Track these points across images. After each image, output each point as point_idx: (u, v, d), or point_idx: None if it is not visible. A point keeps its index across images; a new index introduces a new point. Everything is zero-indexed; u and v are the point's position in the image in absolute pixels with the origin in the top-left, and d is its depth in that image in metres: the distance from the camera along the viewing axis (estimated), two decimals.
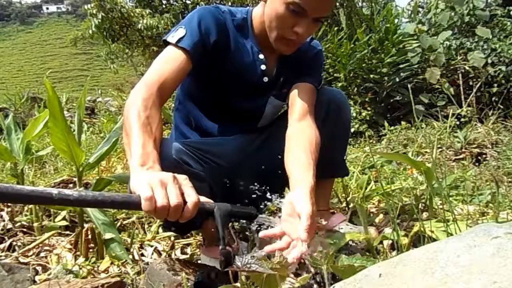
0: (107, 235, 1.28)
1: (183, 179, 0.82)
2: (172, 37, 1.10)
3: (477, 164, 2.65)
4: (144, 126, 0.92)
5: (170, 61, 1.08)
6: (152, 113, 0.95)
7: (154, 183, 0.78)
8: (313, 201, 0.90)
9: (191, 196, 0.80)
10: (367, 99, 4.23)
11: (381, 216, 1.55)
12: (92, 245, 1.34)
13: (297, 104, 1.19)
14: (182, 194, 0.79)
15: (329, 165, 1.32)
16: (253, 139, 1.31)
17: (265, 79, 1.24)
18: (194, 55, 1.09)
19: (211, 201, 0.85)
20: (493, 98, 4.29)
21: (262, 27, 1.17)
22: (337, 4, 5.37)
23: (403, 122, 3.57)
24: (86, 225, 1.34)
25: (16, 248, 1.41)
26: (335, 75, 4.40)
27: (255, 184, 1.29)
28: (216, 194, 1.13)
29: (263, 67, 1.23)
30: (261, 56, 1.22)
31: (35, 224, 1.49)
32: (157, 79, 1.03)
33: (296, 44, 1.14)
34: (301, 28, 1.06)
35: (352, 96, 4.24)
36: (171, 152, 1.04)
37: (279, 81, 1.28)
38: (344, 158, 1.41)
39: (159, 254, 1.41)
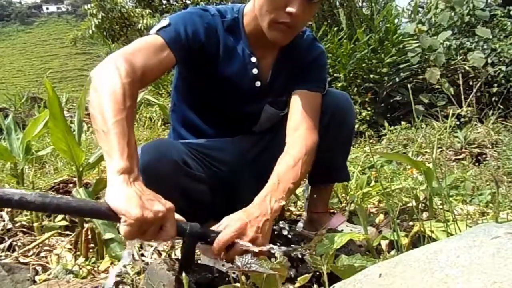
0: (107, 235, 1.27)
1: (172, 208, 0.78)
2: (154, 28, 1.05)
3: (477, 164, 2.65)
4: (126, 120, 0.81)
5: (152, 50, 0.99)
6: (132, 104, 0.85)
7: (147, 220, 0.73)
8: (240, 229, 0.87)
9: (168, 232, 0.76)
10: (367, 99, 4.24)
11: (381, 216, 1.55)
12: (92, 245, 1.34)
13: (291, 117, 1.16)
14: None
15: (330, 171, 1.32)
16: (253, 144, 1.29)
17: (257, 83, 1.19)
18: (174, 48, 1.02)
19: (184, 220, 0.82)
20: (493, 98, 4.29)
21: (254, 23, 1.11)
22: (337, 4, 5.37)
23: (403, 122, 3.58)
24: (86, 225, 1.34)
25: (16, 248, 1.40)
26: (335, 75, 4.40)
27: (255, 188, 1.28)
28: (216, 197, 1.12)
29: (255, 71, 1.17)
30: (253, 59, 1.16)
31: (35, 224, 1.49)
32: (140, 64, 0.93)
33: (291, 29, 1.06)
34: (294, 7, 0.99)
35: (352, 96, 4.23)
36: (173, 153, 1.02)
37: (275, 86, 1.22)
38: (346, 163, 1.40)
39: (159, 254, 1.40)
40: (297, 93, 1.18)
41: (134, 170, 0.77)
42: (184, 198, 1.03)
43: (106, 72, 0.88)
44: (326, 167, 1.16)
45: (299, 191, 1.72)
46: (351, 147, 1.45)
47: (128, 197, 0.73)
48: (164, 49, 1.01)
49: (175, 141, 1.07)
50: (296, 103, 1.16)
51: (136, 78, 0.90)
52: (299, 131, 1.12)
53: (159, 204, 0.75)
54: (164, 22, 1.05)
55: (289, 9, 1.00)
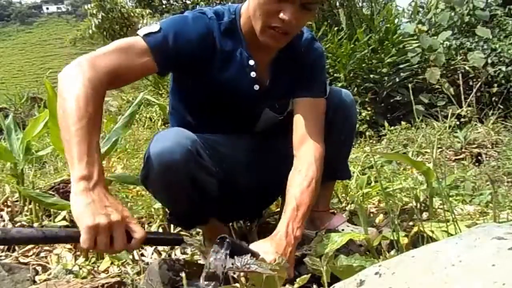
0: None
1: (127, 216, 0.79)
2: (143, 30, 1.02)
3: (477, 164, 2.65)
4: (87, 127, 0.81)
5: (130, 51, 0.97)
6: (96, 110, 0.85)
7: (100, 227, 0.74)
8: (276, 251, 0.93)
9: (138, 233, 0.79)
10: (367, 99, 4.23)
11: (381, 216, 1.55)
12: None
13: (297, 128, 1.16)
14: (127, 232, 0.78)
15: (333, 167, 1.32)
16: (256, 145, 1.29)
17: (256, 87, 1.17)
18: (158, 55, 1.00)
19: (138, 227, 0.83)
20: (493, 98, 4.29)
21: (250, 24, 1.09)
22: (337, 4, 5.37)
23: (403, 122, 3.57)
24: None
25: (16, 248, 1.40)
26: (335, 75, 4.39)
27: (255, 187, 1.29)
28: (221, 193, 1.13)
29: (253, 74, 1.15)
30: (251, 62, 1.14)
31: (35, 224, 1.49)
32: (108, 67, 0.92)
33: (284, 35, 1.05)
34: (287, 15, 0.98)
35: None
36: (187, 142, 1.01)
37: (275, 89, 1.20)
38: (347, 160, 1.41)
39: (159, 254, 1.40)
40: (301, 102, 1.18)
41: (93, 176, 0.78)
42: (193, 189, 1.04)
43: (70, 77, 0.88)
44: (329, 164, 1.17)
45: None
46: (352, 147, 1.46)
47: (84, 205, 0.75)
48: (145, 55, 0.99)
49: (190, 132, 1.05)
50: (300, 113, 1.16)
51: (99, 83, 0.88)
52: (307, 144, 1.13)
53: (114, 212, 0.76)
54: (155, 27, 1.03)
55: (282, 15, 0.99)
